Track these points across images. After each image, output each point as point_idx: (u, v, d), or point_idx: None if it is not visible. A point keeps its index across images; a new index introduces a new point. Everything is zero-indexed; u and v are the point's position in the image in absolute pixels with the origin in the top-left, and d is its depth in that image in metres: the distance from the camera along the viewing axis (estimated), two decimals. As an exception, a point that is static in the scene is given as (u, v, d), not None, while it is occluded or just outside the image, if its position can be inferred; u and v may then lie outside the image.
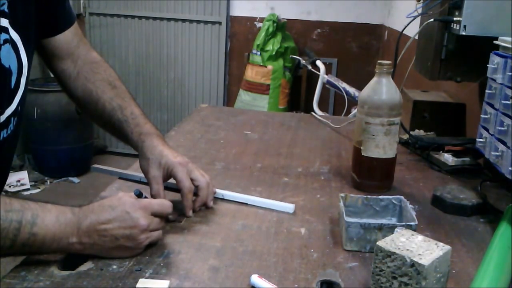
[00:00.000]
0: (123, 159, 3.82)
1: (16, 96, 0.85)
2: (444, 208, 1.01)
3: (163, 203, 0.82)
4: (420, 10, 1.36)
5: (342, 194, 0.93)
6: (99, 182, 3.27)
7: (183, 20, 3.82)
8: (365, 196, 0.94)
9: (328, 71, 2.96)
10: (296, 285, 0.73)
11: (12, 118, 0.85)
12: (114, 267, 0.75)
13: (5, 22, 0.78)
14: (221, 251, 0.82)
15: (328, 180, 1.16)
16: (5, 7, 0.77)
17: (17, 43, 0.82)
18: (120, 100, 0.99)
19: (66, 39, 0.99)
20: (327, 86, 2.81)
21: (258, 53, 3.46)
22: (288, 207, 0.98)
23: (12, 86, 0.83)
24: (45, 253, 0.75)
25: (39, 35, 0.93)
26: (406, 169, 1.25)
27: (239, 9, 3.75)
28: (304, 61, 3.09)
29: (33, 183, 3.50)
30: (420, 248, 0.67)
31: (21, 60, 0.83)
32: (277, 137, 1.48)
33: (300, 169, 1.21)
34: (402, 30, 1.28)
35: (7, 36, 0.79)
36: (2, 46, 0.78)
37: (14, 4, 0.79)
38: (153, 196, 0.91)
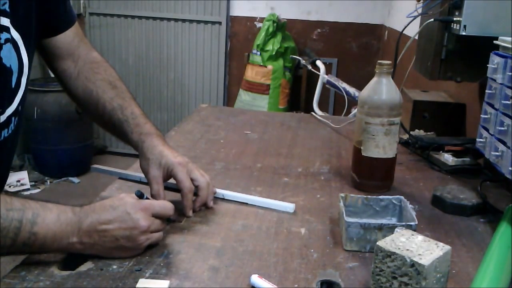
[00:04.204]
0: (123, 159, 3.82)
1: (17, 96, 0.85)
2: (444, 208, 1.01)
3: (165, 205, 0.82)
4: (420, 10, 1.36)
5: (342, 194, 0.93)
6: (99, 182, 3.27)
7: (183, 20, 3.82)
8: (365, 196, 0.94)
9: (328, 71, 2.96)
10: (296, 285, 0.73)
11: (13, 118, 0.85)
12: (114, 267, 0.75)
13: (6, 22, 0.78)
14: (221, 251, 0.82)
15: (328, 180, 1.16)
16: (6, 7, 0.77)
17: (18, 42, 0.82)
18: (121, 100, 0.99)
19: (67, 39, 0.99)
20: (327, 86, 2.80)
21: (258, 53, 3.46)
22: (289, 206, 0.98)
23: (13, 86, 0.83)
24: (46, 253, 0.75)
25: (40, 35, 0.93)
26: (406, 169, 1.25)
27: (239, 9, 3.75)
28: (304, 61, 3.09)
29: (33, 183, 3.50)
30: (420, 248, 0.67)
31: (22, 59, 0.84)
32: (277, 137, 1.48)
33: (300, 169, 1.21)
34: (402, 30, 1.28)
35: (8, 36, 0.79)
36: (3, 45, 0.78)
37: (15, 3, 0.79)
38: (153, 196, 0.91)
